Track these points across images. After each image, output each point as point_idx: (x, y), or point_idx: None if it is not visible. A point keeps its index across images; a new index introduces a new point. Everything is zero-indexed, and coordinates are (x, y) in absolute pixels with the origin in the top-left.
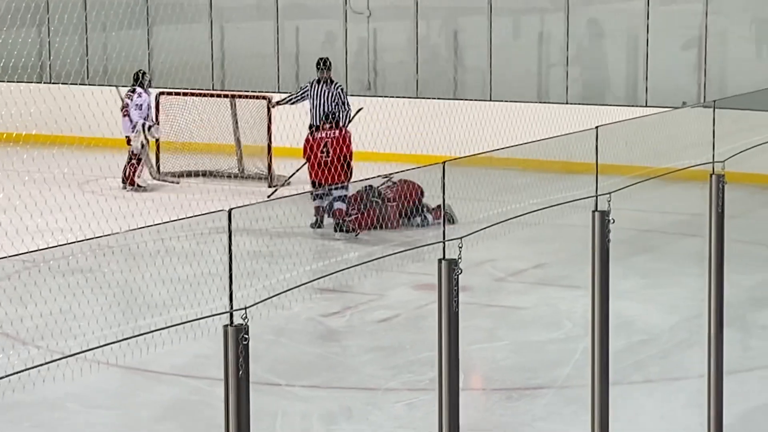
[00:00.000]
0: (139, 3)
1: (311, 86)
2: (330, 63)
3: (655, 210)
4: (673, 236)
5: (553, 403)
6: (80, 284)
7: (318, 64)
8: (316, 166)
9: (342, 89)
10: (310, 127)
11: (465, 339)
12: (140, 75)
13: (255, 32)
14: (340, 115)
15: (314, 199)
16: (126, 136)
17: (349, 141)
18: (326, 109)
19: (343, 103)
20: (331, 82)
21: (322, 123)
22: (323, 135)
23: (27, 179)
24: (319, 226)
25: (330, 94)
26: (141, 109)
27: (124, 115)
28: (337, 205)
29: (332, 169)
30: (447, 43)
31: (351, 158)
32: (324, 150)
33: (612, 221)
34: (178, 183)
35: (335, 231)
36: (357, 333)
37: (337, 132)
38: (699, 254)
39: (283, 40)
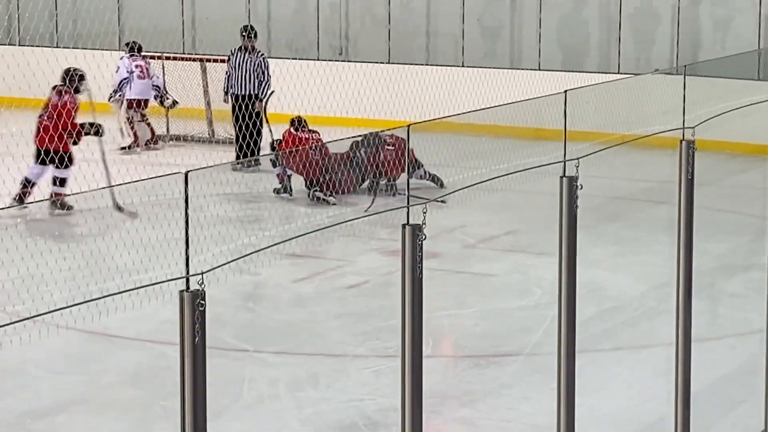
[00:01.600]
0: None
1: (233, 54)
2: (255, 32)
3: (624, 177)
4: (643, 203)
5: (521, 371)
6: (41, 247)
7: (242, 31)
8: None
9: (265, 58)
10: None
11: (434, 306)
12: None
13: None
14: (260, 87)
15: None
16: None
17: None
18: (247, 79)
19: (263, 73)
20: (254, 50)
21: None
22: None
23: None
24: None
25: (252, 64)
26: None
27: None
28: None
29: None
30: (419, 8)
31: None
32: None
33: (580, 187)
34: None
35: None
36: (325, 299)
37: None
38: (668, 222)
39: (255, 4)
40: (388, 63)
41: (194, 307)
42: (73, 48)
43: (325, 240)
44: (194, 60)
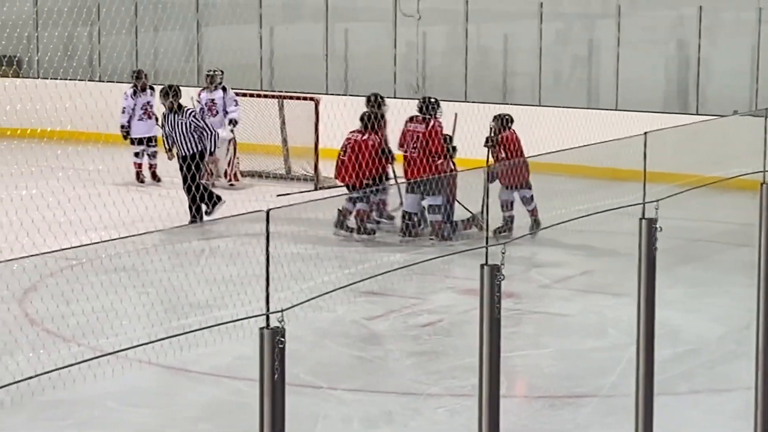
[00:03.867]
0: (190, 4)
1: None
2: (175, 91)
3: (703, 219)
4: (722, 246)
5: (597, 412)
6: (123, 282)
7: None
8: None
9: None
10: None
11: (509, 345)
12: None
13: (304, 34)
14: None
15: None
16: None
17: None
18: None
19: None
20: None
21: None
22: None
23: (72, 176)
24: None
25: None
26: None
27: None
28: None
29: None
30: (496, 47)
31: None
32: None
33: (659, 229)
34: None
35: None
36: (400, 337)
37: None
38: (748, 264)
39: (333, 42)
40: (465, 101)
41: (274, 344)
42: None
43: (400, 278)
44: (271, 97)
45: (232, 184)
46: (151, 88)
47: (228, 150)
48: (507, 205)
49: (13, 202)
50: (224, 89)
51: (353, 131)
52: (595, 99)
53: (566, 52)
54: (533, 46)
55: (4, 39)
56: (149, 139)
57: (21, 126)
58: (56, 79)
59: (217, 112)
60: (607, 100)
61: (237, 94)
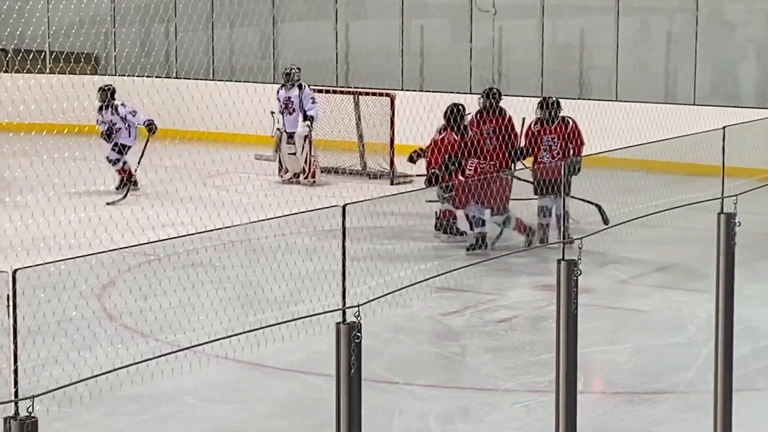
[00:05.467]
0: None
1: None
2: None
3: None
4: None
5: (675, 409)
6: (200, 277)
7: None
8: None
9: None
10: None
11: (586, 341)
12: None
13: (380, 29)
14: None
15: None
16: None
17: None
18: None
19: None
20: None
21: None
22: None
23: (150, 172)
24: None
25: None
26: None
27: (291, 113)
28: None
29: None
30: (573, 41)
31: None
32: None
33: (738, 224)
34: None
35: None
36: (476, 333)
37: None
38: None
39: (408, 38)
40: (541, 96)
41: (350, 339)
42: (227, 81)
43: (476, 274)
44: (347, 93)
45: (312, 182)
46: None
47: (304, 147)
48: (545, 212)
49: (92, 197)
50: (300, 86)
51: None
52: (672, 94)
53: (643, 46)
54: (610, 41)
55: (82, 36)
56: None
57: (91, 122)
58: (133, 75)
59: (294, 110)
60: (684, 94)
61: (313, 91)
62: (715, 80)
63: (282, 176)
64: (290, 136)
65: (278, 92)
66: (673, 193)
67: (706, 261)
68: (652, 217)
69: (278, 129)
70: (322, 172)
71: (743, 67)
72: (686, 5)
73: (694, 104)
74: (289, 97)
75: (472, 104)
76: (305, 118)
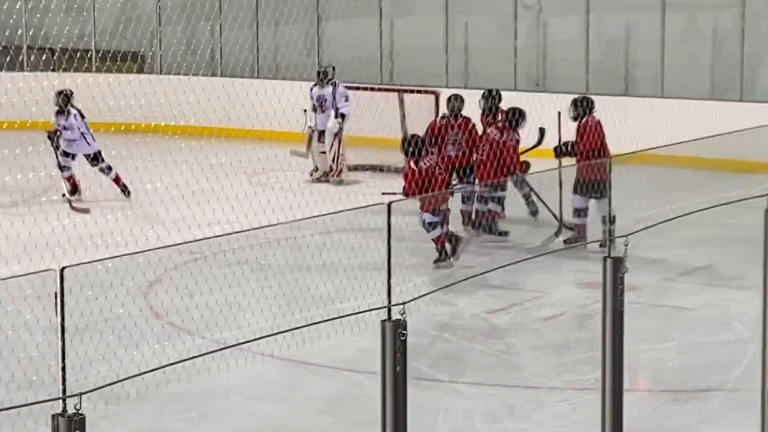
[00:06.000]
0: None
1: None
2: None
3: None
4: None
5: (722, 407)
6: (245, 275)
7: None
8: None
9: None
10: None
11: (632, 339)
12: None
13: (424, 27)
14: None
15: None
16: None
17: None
18: None
19: None
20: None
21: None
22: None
23: (195, 170)
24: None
25: None
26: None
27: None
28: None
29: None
30: (618, 38)
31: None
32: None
33: None
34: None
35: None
36: (521, 330)
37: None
38: None
39: (453, 35)
40: (586, 93)
41: (395, 336)
42: (272, 79)
43: (521, 271)
44: (392, 91)
45: (339, 181)
46: (333, 84)
47: (332, 144)
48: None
49: (139, 196)
50: (334, 85)
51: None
52: (720, 90)
53: (689, 42)
54: (656, 37)
55: (128, 35)
56: (321, 133)
57: (145, 120)
58: (179, 74)
59: (326, 108)
60: (731, 91)
61: (357, 89)
62: (763, 76)
63: (312, 175)
64: (321, 134)
65: (311, 90)
66: (719, 190)
67: (753, 259)
68: (698, 214)
69: (310, 127)
70: (366, 170)
71: None
72: (732, 1)
73: (741, 101)
74: (323, 96)
75: (513, 101)
76: (336, 115)
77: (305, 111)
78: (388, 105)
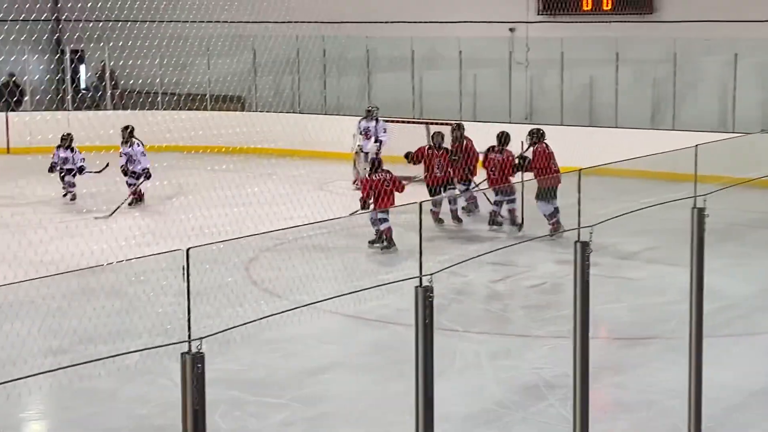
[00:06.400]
0: (362, 57)
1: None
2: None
3: (740, 209)
4: (755, 229)
5: (661, 350)
6: (316, 255)
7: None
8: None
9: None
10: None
11: (594, 301)
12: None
13: (444, 77)
14: None
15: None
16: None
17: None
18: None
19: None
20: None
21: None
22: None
23: (281, 180)
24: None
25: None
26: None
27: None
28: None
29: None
30: (585, 84)
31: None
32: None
33: (707, 215)
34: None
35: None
36: (515, 295)
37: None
38: None
39: (465, 83)
40: (562, 124)
41: (425, 298)
42: (335, 115)
43: (514, 252)
44: (420, 123)
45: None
46: (376, 119)
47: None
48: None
49: (242, 198)
50: (377, 120)
51: (492, 150)
52: (657, 121)
53: (635, 87)
54: (612, 84)
55: (233, 83)
56: (365, 154)
57: (245, 144)
58: (269, 111)
59: (371, 137)
60: (666, 121)
61: (395, 121)
62: (686, 112)
63: (354, 183)
64: (366, 155)
65: (360, 122)
66: (658, 193)
67: (682, 244)
68: (643, 211)
69: (359, 146)
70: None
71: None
72: (668, 57)
73: (672, 129)
74: (368, 127)
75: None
76: (376, 140)
77: (354, 135)
78: (417, 133)
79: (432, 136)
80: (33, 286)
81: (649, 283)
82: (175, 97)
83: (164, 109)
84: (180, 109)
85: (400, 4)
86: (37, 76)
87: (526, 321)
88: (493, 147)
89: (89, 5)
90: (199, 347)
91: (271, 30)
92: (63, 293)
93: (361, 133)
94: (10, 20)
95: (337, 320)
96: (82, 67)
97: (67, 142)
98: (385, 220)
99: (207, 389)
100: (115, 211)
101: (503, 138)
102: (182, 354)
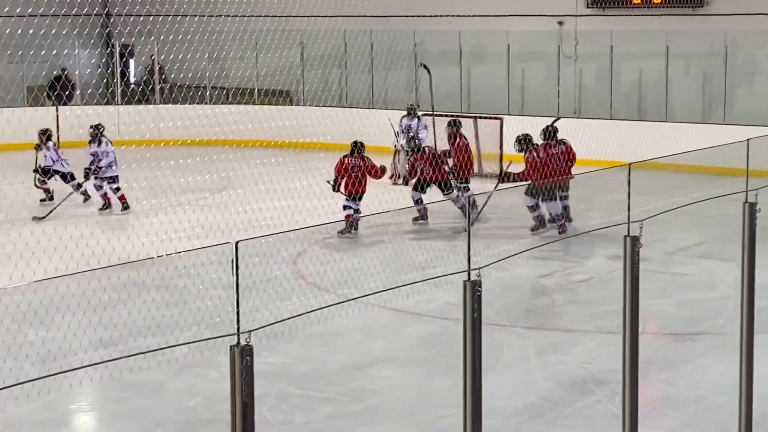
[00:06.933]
0: (411, 52)
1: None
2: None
3: None
4: None
5: (710, 345)
6: (364, 249)
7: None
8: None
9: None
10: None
11: (642, 296)
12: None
13: (492, 72)
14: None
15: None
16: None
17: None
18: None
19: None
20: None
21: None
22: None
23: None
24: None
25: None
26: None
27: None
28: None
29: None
30: (633, 79)
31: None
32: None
33: (759, 210)
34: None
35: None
36: (562, 289)
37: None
38: None
39: (513, 78)
40: (610, 118)
41: (473, 292)
42: (382, 109)
43: (562, 247)
44: (469, 117)
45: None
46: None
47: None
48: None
49: (290, 191)
50: (418, 118)
51: (550, 146)
52: (707, 115)
53: (685, 81)
54: (661, 78)
55: (282, 77)
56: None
57: (291, 139)
58: (317, 105)
59: (411, 134)
60: (716, 115)
61: (445, 116)
62: (738, 105)
63: (394, 181)
64: (407, 152)
65: (401, 120)
66: (708, 188)
67: (733, 239)
68: (693, 206)
69: (401, 145)
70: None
71: None
72: (718, 51)
73: (723, 123)
74: (410, 125)
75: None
76: (416, 138)
77: (396, 133)
78: (466, 127)
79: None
80: (84, 279)
81: (699, 279)
82: (224, 91)
83: (213, 103)
84: (229, 103)
85: None
86: (88, 70)
87: (573, 316)
88: (548, 143)
89: (139, 0)
90: (248, 340)
91: (320, 24)
92: (113, 286)
93: (402, 131)
94: (62, 15)
95: (385, 314)
96: (132, 62)
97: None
98: (349, 207)
99: (254, 382)
100: (51, 212)
101: (553, 132)
102: (231, 347)
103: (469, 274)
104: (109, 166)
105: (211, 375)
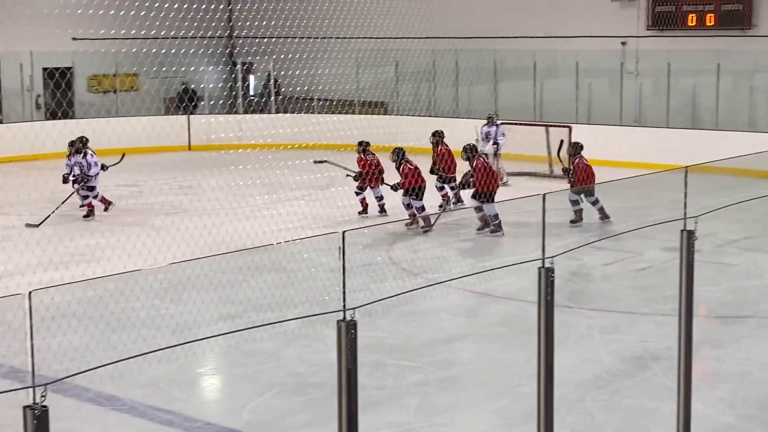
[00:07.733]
0: (490, 66)
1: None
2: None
3: None
4: None
5: (755, 327)
6: (449, 240)
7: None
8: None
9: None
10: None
11: (696, 283)
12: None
13: (562, 85)
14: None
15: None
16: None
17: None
18: None
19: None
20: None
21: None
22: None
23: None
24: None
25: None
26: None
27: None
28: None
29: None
30: (688, 91)
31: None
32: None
33: None
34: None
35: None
36: (624, 276)
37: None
38: None
39: (580, 91)
40: (667, 127)
41: (547, 277)
42: (466, 118)
43: (624, 239)
44: (541, 125)
45: (505, 184)
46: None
47: (494, 162)
48: (576, 203)
49: (386, 189)
50: (497, 125)
51: (582, 157)
52: (753, 124)
53: (735, 94)
54: (713, 92)
55: (379, 90)
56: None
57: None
58: (409, 115)
59: (490, 140)
60: (762, 124)
61: (519, 124)
62: None
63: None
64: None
65: (482, 127)
66: (754, 189)
67: None
68: (742, 204)
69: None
70: (519, 175)
71: None
72: (764, 67)
73: None
74: (489, 132)
75: (619, 132)
76: (495, 143)
77: (476, 140)
78: (538, 134)
79: (431, 136)
80: (209, 263)
81: (746, 269)
82: (328, 103)
83: (318, 113)
84: (332, 113)
85: (525, 20)
86: (212, 85)
87: (633, 300)
88: (581, 156)
89: (256, 24)
90: (352, 315)
91: (412, 44)
92: (235, 268)
93: (483, 138)
94: (190, 37)
95: (468, 296)
96: (251, 77)
97: (73, 149)
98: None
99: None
100: (45, 219)
101: (579, 146)
102: (338, 321)
103: (543, 261)
104: (96, 176)
105: (317, 346)
